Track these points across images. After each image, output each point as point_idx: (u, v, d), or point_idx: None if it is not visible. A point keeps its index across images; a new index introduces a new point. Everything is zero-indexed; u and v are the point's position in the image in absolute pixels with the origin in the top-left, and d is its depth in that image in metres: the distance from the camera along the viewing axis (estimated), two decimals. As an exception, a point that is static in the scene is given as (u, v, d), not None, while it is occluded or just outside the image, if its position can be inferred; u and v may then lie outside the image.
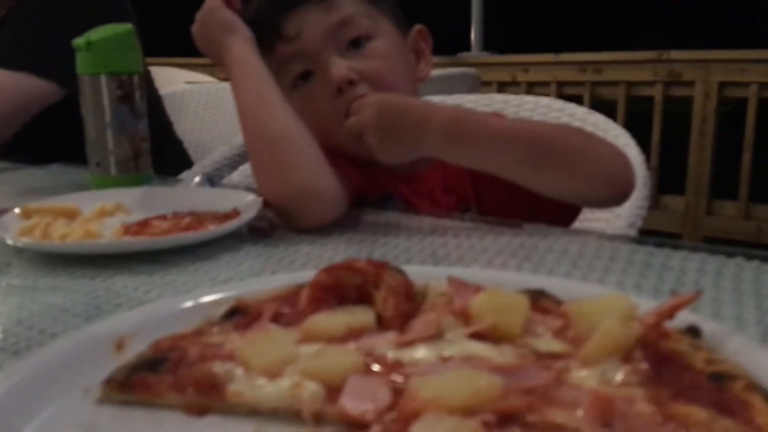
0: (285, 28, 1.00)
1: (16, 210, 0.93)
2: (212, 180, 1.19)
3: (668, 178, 3.69)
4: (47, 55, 1.56)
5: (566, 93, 3.75)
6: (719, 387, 0.42)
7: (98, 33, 1.13)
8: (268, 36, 1.01)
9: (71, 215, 0.93)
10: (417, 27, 1.12)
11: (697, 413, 0.39)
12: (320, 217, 0.92)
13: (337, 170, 0.95)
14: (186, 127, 2.34)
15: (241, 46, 0.98)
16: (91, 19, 1.61)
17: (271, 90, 0.96)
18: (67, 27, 1.57)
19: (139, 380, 0.46)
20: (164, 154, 1.33)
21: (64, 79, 1.56)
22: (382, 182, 1.07)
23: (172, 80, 2.75)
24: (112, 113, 1.13)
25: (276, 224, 0.92)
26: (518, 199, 0.98)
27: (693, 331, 0.48)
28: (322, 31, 0.99)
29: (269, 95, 0.95)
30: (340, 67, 0.98)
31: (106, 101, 1.13)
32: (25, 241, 0.82)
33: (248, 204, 0.94)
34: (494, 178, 0.94)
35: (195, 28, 1.03)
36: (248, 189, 1.11)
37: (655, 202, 3.65)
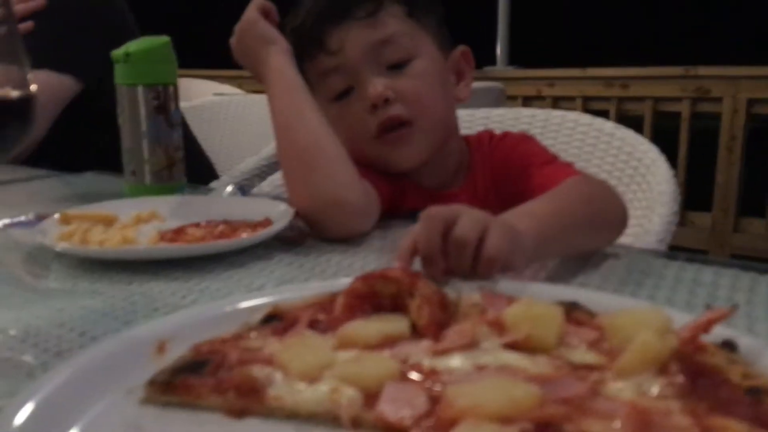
0: (328, 41, 1.02)
1: (56, 216, 0.95)
2: (243, 189, 1.21)
3: (695, 194, 3.65)
4: (62, 51, 1.60)
5: (592, 108, 3.73)
6: (756, 401, 0.42)
7: (136, 45, 1.16)
8: (310, 47, 1.03)
9: (108, 222, 0.95)
10: (461, 48, 1.12)
11: (735, 426, 0.40)
12: (350, 228, 0.93)
13: (369, 183, 0.97)
14: (215, 138, 2.37)
15: (279, 57, 0.99)
16: (103, 16, 1.67)
17: (306, 101, 0.97)
18: (81, 23, 1.63)
19: (181, 382, 0.47)
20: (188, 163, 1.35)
21: (79, 72, 1.62)
22: (412, 199, 1.08)
23: (201, 92, 2.79)
24: (147, 123, 1.16)
25: (306, 233, 0.94)
26: None
27: (729, 346, 0.48)
28: (363, 48, 1.01)
29: (304, 106, 0.97)
30: (377, 84, 1.00)
31: (142, 111, 1.15)
32: (64, 246, 0.84)
33: (280, 213, 0.95)
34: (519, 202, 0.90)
35: (233, 41, 1.05)
36: (279, 198, 1.12)
37: (681, 219, 3.61)
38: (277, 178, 1.55)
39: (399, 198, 1.06)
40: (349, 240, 0.92)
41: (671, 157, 1.39)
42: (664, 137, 3.36)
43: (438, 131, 1.06)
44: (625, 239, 1.22)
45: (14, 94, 0.53)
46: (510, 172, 1.08)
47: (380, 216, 0.98)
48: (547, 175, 1.00)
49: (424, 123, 1.02)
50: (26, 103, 0.55)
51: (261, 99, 2.33)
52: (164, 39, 1.18)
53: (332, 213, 0.92)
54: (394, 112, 1.00)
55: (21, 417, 0.43)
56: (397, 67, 1.02)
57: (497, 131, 1.18)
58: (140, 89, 1.14)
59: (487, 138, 1.15)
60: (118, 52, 1.15)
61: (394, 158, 1.04)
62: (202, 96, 2.58)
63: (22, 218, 1.05)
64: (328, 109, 1.01)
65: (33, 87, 0.57)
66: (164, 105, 1.16)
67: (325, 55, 1.02)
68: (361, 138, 1.02)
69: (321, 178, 0.93)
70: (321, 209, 0.92)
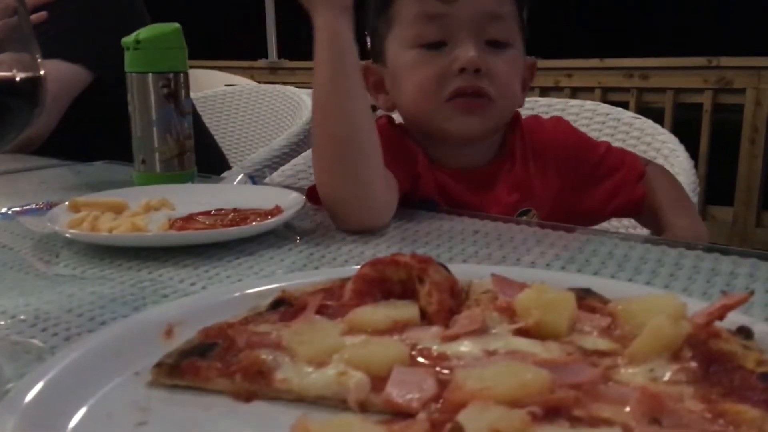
0: None
1: (66, 203, 0.95)
2: (254, 179, 1.20)
3: (716, 188, 3.61)
4: (74, 41, 1.61)
5: (611, 99, 3.68)
6: (771, 387, 0.41)
7: (146, 32, 1.16)
8: None
9: (118, 209, 0.95)
10: (531, 59, 1.12)
11: (748, 412, 0.39)
12: (368, 224, 0.91)
13: (391, 174, 0.96)
14: (226, 129, 2.38)
15: (330, 15, 0.89)
16: (115, 6, 1.68)
17: (353, 79, 0.90)
18: (93, 13, 1.64)
19: (188, 365, 0.47)
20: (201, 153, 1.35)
21: (91, 62, 1.63)
22: (426, 183, 1.06)
23: (213, 83, 2.79)
24: (158, 111, 1.16)
25: None
26: (576, 214, 1.08)
27: (744, 332, 0.47)
28: (477, 12, 1.00)
29: (349, 85, 0.90)
30: (475, 51, 0.99)
31: (152, 99, 1.15)
32: (74, 232, 0.84)
33: (290, 201, 0.95)
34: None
35: None
36: (289, 187, 1.12)
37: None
38: (288, 169, 1.55)
39: (414, 184, 1.05)
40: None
41: (692, 150, 1.38)
42: (684, 129, 3.31)
43: (504, 119, 1.08)
44: (644, 231, 1.22)
45: (22, 75, 0.53)
46: (569, 153, 1.13)
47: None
48: (618, 158, 1.15)
49: (500, 106, 1.03)
50: (34, 84, 0.55)
51: (272, 90, 2.34)
52: (174, 25, 1.17)
53: (358, 207, 0.91)
54: (480, 84, 1.00)
55: (30, 396, 0.43)
56: (494, 45, 1.02)
57: None
58: (150, 77, 1.14)
59: (525, 120, 1.17)
60: (128, 39, 1.15)
61: (458, 124, 1.03)
62: (213, 87, 2.59)
63: (33, 205, 1.06)
64: (405, 53, 1.00)
65: (42, 71, 0.57)
66: (175, 93, 1.15)
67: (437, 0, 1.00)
68: (431, 93, 1.01)
69: (353, 173, 0.90)
70: (344, 202, 0.91)
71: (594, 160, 1.13)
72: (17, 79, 0.54)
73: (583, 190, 1.13)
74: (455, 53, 1.00)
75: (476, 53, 0.99)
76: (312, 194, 0.99)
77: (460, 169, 1.09)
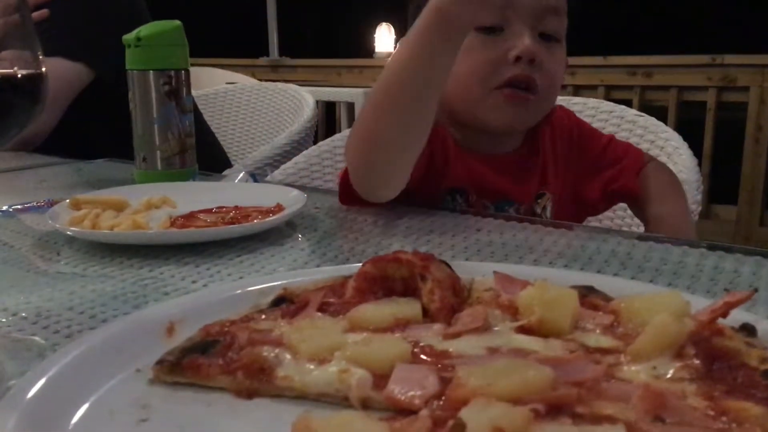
0: None
1: (66, 201, 0.95)
2: (255, 177, 1.20)
3: (720, 187, 3.60)
4: (75, 39, 1.61)
5: (614, 97, 3.66)
6: (774, 385, 0.41)
7: (147, 29, 1.16)
8: None
9: (119, 207, 0.95)
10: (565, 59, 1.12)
11: (751, 409, 0.39)
12: (382, 200, 0.96)
13: None
14: (227, 127, 2.37)
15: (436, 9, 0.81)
16: (116, 4, 1.68)
17: (434, 79, 0.85)
18: (95, 11, 1.64)
19: (189, 362, 0.47)
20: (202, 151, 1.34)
21: (92, 60, 1.63)
22: (456, 165, 1.07)
23: (214, 81, 2.79)
24: (159, 109, 1.16)
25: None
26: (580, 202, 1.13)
27: (747, 330, 0.47)
28: (538, 1, 1.00)
29: (426, 84, 0.85)
30: (533, 42, 0.99)
31: (153, 97, 1.15)
32: (75, 230, 0.84)
33: (292, 199, 0.95)
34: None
35: None
36: (291, 185, 1.12)
37: (706, 212, 3.56)
38: (289, 167, 1.54)
39: (443, 172, 1.05)
40: (362, 227, 0.91)
41: (696, 148, 1.38)
42: (688, 127, 3.30)
43: (544, 113, 1.09)
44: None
45: (23, 73, 0.53)
46: (574, 143, 1.16)
47: (413, 196, 0.98)
48: (622, 149, 1.17)
49: (543, 100, 1.04)
50: (35, 82, 0.54)
51: (274, 88, 2.34)
52: (176, 23, 1.17)
53: (374, 189, 0.95)
54: (532, 75, 1.00)
55: (32, 393, 0.43)
56: (546, 39, 1.02)
57: None
58: (151, 74, 1.14)
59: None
60: (129, 36, 1.15)
61: (501, 115, 1.03)
62: (214, 84, 2.58)
63: (34, 203, 1.06)
64: None
65: (43, 68, 0.57)
66: (176, 90, 1.15)
67: None
68: (482, 79, 1.01)
69: (380, 172, 0.92)
70: (362, 184, 0.94)
71: (597, 150, 1.15)
72: (18, 76, 0.53)
73: (586, 178, 1.15)
74: (512, 41, 1.00)
75: (532, 43, 0.99)
76: (343, 195, 1.01)
77: (491, 155, 1.10)
